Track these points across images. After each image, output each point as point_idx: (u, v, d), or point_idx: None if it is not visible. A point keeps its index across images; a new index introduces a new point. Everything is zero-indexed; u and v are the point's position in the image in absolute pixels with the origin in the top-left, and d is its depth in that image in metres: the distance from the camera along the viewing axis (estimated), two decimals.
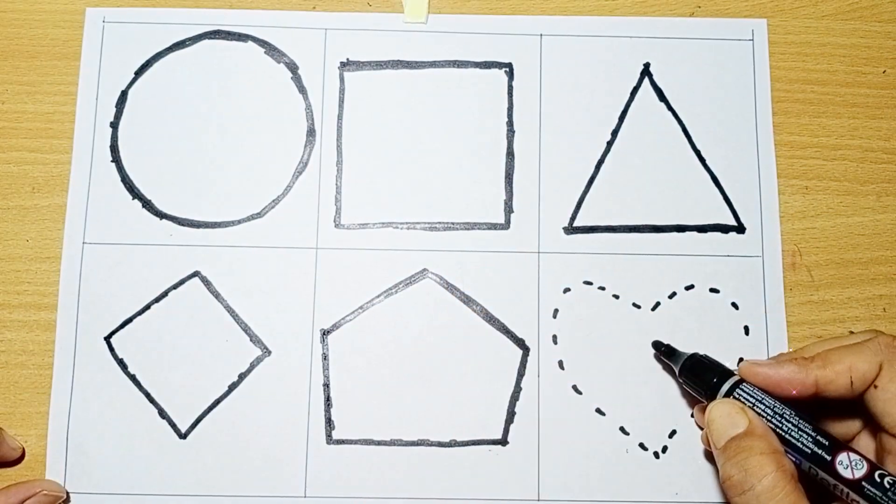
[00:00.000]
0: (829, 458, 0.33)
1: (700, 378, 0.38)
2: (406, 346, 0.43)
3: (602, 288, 0.44)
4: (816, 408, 0.37)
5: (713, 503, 0.42)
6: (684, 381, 0.40)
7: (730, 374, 0.38)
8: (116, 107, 0.45)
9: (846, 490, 0.33)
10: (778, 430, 0.35)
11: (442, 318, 0.43)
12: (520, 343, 0.43)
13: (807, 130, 0.46)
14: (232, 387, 0.43)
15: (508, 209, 0.45)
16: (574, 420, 0.43)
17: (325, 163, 0.45)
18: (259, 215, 0.44)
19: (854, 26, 0.47)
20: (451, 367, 0.43)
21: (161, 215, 0.44)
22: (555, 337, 0.43)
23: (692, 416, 0.42)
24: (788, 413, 0.35)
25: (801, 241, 0.44)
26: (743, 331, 0.43)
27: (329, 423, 0.42)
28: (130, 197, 0.44)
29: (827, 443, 0.34)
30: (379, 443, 0.42)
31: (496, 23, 0.46)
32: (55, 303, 0.43)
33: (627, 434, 0.42)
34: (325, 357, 0.43)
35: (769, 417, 0.35)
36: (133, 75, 0.45)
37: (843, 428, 0.37)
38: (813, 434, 0.34)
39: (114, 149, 0.45)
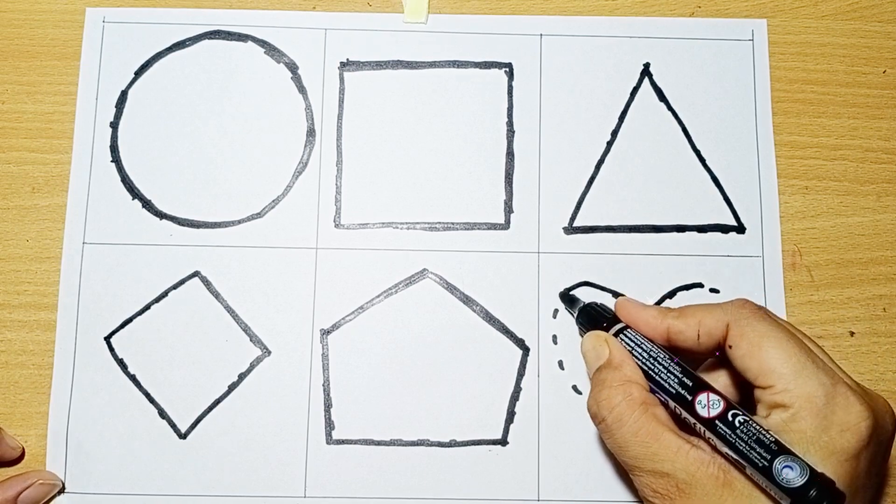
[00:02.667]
0: (690, 397, 0.35)
1: (593, 324, 0.40)
2: (406, 346, 0.43)
3: (602, 288, 0.44)
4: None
5: None
6: (580, 327, 0.42)
7: (617, 320, 0.39)
8: (116, 107, 0.45)
9: (703, 428, 0.34)
10: (650, 371, 0.37)
11: (442, 318, 0.43)
12: (520, 343, 0.43)
13: (807, 130, 0.46)
14: (232, 387, 0.43)
15: (508, 209, 0.45)
16: (574, 420, 0.42)
17: (325, 163, 0.45)
18: (259, 215, 0.44)
19: (854, 26, 0.47)
20: (451, 367, 0.43)
21: (161, 215, 0.44)
22: (555, 337, 0.43)
23: None
24: (662, 356, 0.37)
25: (801, 241, 0.44)
26: None
27: (329, 423, 0.42)
28: (130, 197, 0.44)
29: (691, 384, 0.35)
30: (379, 443, 0.42)
31: (496, 23, 0.46)
32: (55, 303, 0.43)
33: None
34: (325, 357, 0.43)
35: (644, 360, 0.37)
36: (133, 75, 0.45)
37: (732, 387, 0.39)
38: (680, 376, 0.36)
39: (114, 149, 0.45)
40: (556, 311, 0.43)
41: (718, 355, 0.37)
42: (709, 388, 0.35)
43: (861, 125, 0.46)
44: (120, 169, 0.45)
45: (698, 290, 0.44)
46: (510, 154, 0.45)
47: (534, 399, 0.43)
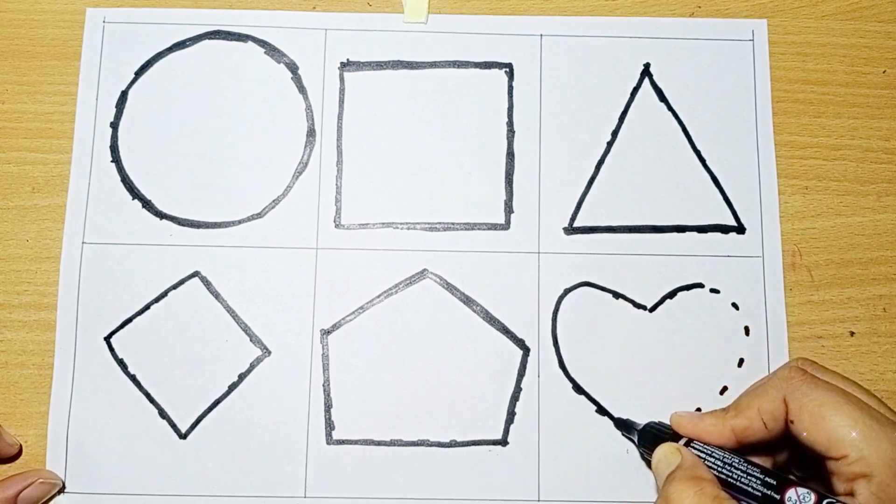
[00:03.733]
0: (777, 496, 0.34)
1: (655, 443, 0.39)
2: (406, 346, 0.43)
3: (602, 288, 0.44)
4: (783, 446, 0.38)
5: None
6: (644, 451, 0.41)
7: (679, 436, 0.39)
8: (116, 107, 0.45)
9: None
10: (729, 478, 0.35)
11: (442, 318, 0.43)
12: (520, 343, 0.43)
13: (807, 130, 0.46)
14: (232, 387, 0.43)
15: (508, 209, 0.45)
16: (574, 420, 0.42)
17: (325, 163, 0.45)
18: (259, 215, 0.44)
19: (854, 26, 0.47)
20: (451, 367, 0.43)
21: (161, 215, 0.44)
22: (555, 337, 0.43)
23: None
24: (737, 461, 0.36)
25: (801, 241, 0.44)
26: (743, 331, 0.43)
27: (329, 423, 0.42)
28: (130, 197, 0.44)
29: (775, 482, 0.34)
30: (379, 443, 0.42)
31: (496, 23, 0.46)
32: (55, 303, 0.43)
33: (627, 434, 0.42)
34: (325, 357, 0.43)
35: (719, 469, 0.36)
36: (133, 75, 0.45)
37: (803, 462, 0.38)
38: (761, 476, 0.35)
39: (114, 149, 0.45)
40: (556, 310, 0.43)
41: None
42: (794, 482, 0.34)
43: (861, 125, 0.46)
44: (120, 169, 0.45)
45: (698, 290, 0.44)
46: (510, 154, 0.45)
47: (534, 399, 0.43)
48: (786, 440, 0.37)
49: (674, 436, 0.39)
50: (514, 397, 0.43)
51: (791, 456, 0.38)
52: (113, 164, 0.45)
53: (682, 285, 0.44)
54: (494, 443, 0.42)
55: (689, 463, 0.36)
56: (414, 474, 0.42)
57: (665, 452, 0.38)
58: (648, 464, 0.41)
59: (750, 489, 0.35)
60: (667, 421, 0.41)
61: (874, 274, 0.44)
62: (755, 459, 0.37)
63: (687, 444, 0.38)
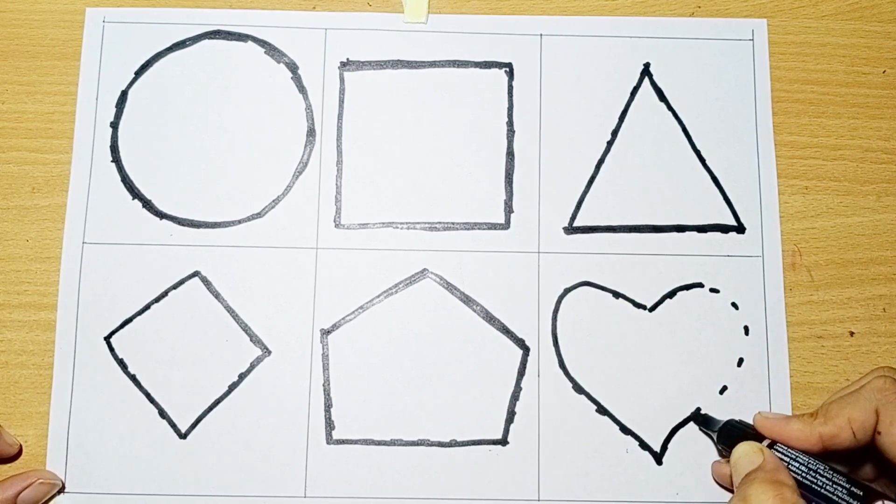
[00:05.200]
0: None
1: (734, 443, 0.39)
2: (406, 346, 0.43)
3: (602, 288, 0.44)
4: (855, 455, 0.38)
5: (713, 503, 0.42)
6: (723, 448, 0.41)
7: (762, 437, 0.39)
8: (116, 107, 0.45)
9: None
10: (813, 485, 0.35)
11: (442, 318, 0.43)
12: (520, 343, 0.43)
13: (807, 130, 0.46)
14: (232, 387, 0.43)
15: (508, 209, 0.45)
16: (574, 420, 0.43)
17: (325, 163, 0.45)
18: (259, 215, 0.44)
19: (854, 26, 0.47)
20: (451, 367, 0.43)
21: (161, 215, 0.44)
22: (555, 337, 0.43)
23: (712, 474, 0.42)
24: (823, 468, 0.35)
25: (801, 241, 0.44)
26: (743, 331, 0.43)
27: (329, 423, 0.42)
28: (130, 197, 0.44)
29: (862, 493, 0.34)
30: (379, 443, 0.42)
31: (496, 23, 0.46)
32: (55, 303, 0.43)
33: (627, 434, 0.42)
34: (325, 357, 0.43)
35: (803, 474, 0.36)
36: (133, 75, 0.45)
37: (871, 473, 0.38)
38: (847, 486, 0.34)
39: (114, 149, 0.45)
40: (556, 310, 0.43)
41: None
42: (882, 495, 0.33)
43: (861, 125, 0.46)
44: (120, 169, 0.45)
45: (698, 289, 0.44)
46: (510, 154, 0.45)
47: (534, 399, 0.43)
48: (865, 451, 0.37)
49: (755, 436, 0.39)
50: (514, 397, 0.43)
51: (868, 468, 0.38)
52: (113, 164, 0.45)
53: (682, 285, 0.44)
54: (494, 442, 0.42)
55: (771, 465, 0.36)
56: (414, 474, 0.42)
57: (746, 451, 0.37)
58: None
59: (835, 497, 0.34)
60: (749, 421, 0.40)
61: (874, 274, 0.44)
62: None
63: (770, 446, 0.37)
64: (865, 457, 0.38)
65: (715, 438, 0.41)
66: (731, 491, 0.40)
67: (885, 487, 0.37)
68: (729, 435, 0.40)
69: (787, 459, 0.36)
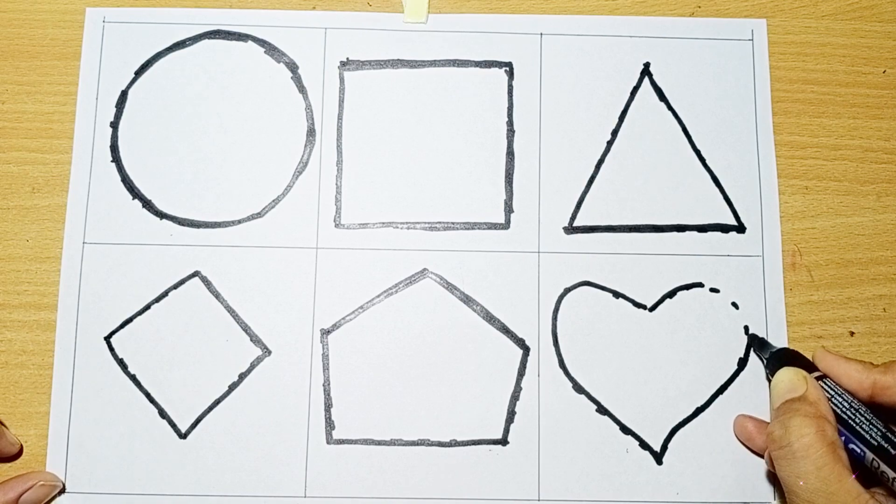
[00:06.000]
0: (894, 452, 0.35)
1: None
2: (406, 346, 0.43)
3: (602, 288, 0.44)
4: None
5: (713, 503, 0.42)
6: (770, 371, 0.41)
7: (815, 368, 0.39)
8: (116, 107, 0.45)
9: None
10: (850, 420, 0.36)
11: (442, 318, 0.43)
12: (520, 343, 0.43)
13: (807, 130, 0.46)
14: (232, 387, 0.43)
15: (508, 209, 0.45)
16: (574, 420, 0.43)
17: (325, 163, 0.45)
18: (259, 215, 0.44)
19: (854, 26, 0.47)
20: (451, 367, 0.43)
21: (161, 215, 0.44)
22: (555, 337, 0.43)
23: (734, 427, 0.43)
24: (864, 410, 0.37)
25: (801, 241, 0.44)
26: (743, 331, 0.43)
27: (329, 423, 0.42)
28: (130, 197, 0.44)
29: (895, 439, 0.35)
30: (379, 443, 0.42)
31: (496, 22, 0.46)
32: (55, 303, 0.43)
33: (627, 434, 0.43)
34: (325, 357, 0.43)
35: (844, 409, 0.37)
36: (133, 75, 0.45)
37: None
38: (883, 430, 0.36)
39: (114, 149, 0.45)
40: (556, 310, 0.43)
41: None
42: None
43: (861, 125, 0.46)
44: (120, 169, 0.45)
45: (698, 289, 0.44)
46: (510, 154, 0.45)
47: (534, 399, 0.43)
48: None
49: (809, 366, 0.39)
50: (514, 397, 0.43)
51: None
52: (113, 164, 0.45)
53: (682, 285, 0.44)
54: (494, 442, 0.42)
55: (814, 397, 0.37)
56: (414, 474, 0.42)
57: (791, 376, 0.38)
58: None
59: (868, 436, 0.36)
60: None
61: (874, 274, 0.44)
62: None
63: (818, 380, 0.38)
64: None
65: (765, 362, 0.42)
66: (754, 451, 0.42)
67: None
68: (780, 360, 0.40)
69: (831, 394, 0.37)
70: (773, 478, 0.42)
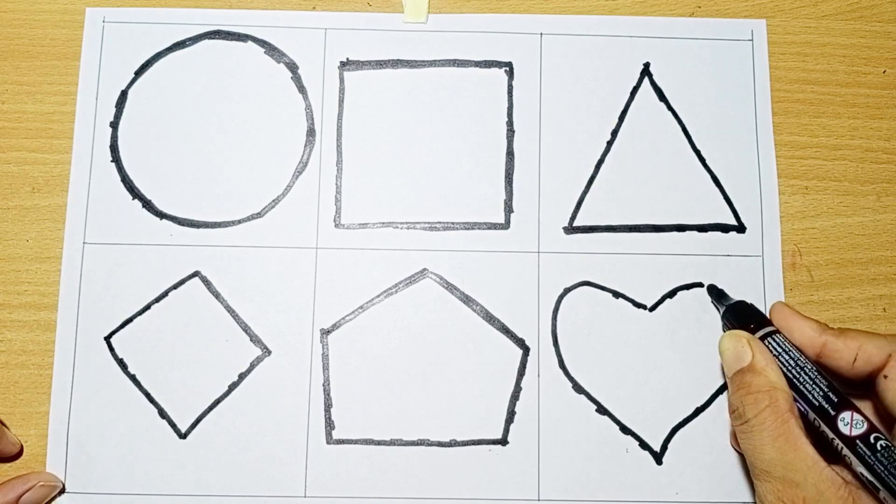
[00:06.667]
0: (833, 412, 0.35)
1: (740, 323, 0.40)
2: (406, 346, 0.43)
3: (602, 288, 0.44)
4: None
5: (714, 503, 0.42)
6: (726, 323, 0.41)
7: (768, 323, 0.39)
8: (116, 107, 0.45)
9: (841, 445, 0.34)
10: (794, 379, 0.36)
11: (442, 318, 0.43)
12: (520, 343, 0.43)
13: (807, 130, 0.46)
14: (232, 387, 0.43)
15: (508, 209, 0.45)
16: (574, 420, 0.43)
17: (325, 163, 0.45)
18: (259, 215, 0.44)
19: (854, 26, 0.47)
20: (451, 367, 0.43)
21: (161, 215, 0.44)
22: (555, 337, 0.43)
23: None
24: (809, 367, 0.36)
25: (801, 241, 0.44)
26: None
27: (329, 423, 0.42)
28: (130, 197, 0.44)
29: (836, 400, 0.35)
30: (379, 443, 0.42)
31: (496, 22, 0.46)
32: (55, 303, 0.43)
33: (627, 434, 0.43)
34: (325, 357, 0.43)
35: (790, 367, 0.37)
36: (133, 75, 0.45)
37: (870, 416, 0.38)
38: (825, 390, 0.36)
39: (114, 149, 0.45)
40: (556, 310, 0.43)
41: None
42: (854, 407, 0.35)
43: (861, 125, 0.46)
44: (120, 169, 0.45)
45: (698, 289, 0.44)
46: (510, 154, 0.45)
47: (534, 399, 0.43)
48: (856, 387, 0.38)
49: (762, 321, 0.39)
50: (514, 397, 0.43)
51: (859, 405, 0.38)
52: (113, 164, 0.45)
53: (682, 285, 0.44)
54: (494, 442, 0.42)
55: (761, 364, 0.37)
56: (414, 474, 0.42)
57: (733, 343, 0.38)
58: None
59: (810, 396, 0.36)
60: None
61: (874, 274, 0.44)
62: None
63: (767, 335, 0.38)
64: (867, 397, 0.39)
65: (721, 314, 0.42)
66: None
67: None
68: (735, 314, 0.40)
69: (780, 350, 0.37)
70: None
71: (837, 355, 0.37)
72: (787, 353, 0.37)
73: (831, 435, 0.35)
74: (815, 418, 0.36)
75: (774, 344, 0.38)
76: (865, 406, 0.38)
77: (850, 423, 0.34)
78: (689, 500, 0.42)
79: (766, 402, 0.35)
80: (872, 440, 0.33)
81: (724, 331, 0.42)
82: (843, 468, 0.35)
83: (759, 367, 0.37)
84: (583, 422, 0.42)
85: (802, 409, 0.36)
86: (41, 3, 0.46)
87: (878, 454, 0.33)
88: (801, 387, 0.36)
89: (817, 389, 0.36)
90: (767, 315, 0.40)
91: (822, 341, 0.37)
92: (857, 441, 0.34)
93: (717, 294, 0.43)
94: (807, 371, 0.36)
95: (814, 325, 0.38)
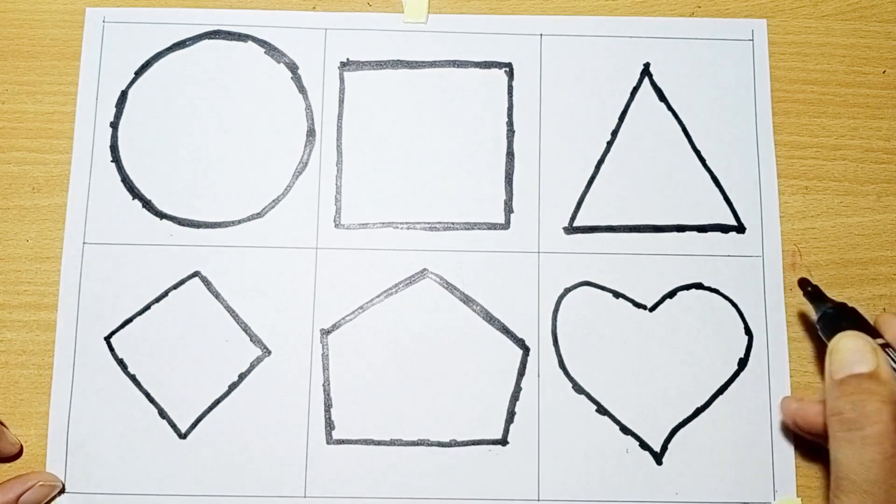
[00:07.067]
0: None
1: (841, 329, 0.37)
2: (406, 346, 0.43)
3: (602, 288, 0.44)
4: None
5: (713, 503, 0.42)
6: (822, 329, 0.39)
7: (879, 335, 0.37)
8: (116, 107, 0.45)
9: None
10: None
11: (442, 318, 0.43)
12: (520, 343, 0.43)
13: (807, 130, 0.46)
14: (232, 387, 0.43)
15: (508, 209, 0.45)
16: (574, 420, 0.43)
17: (325, 163, 0.45)
18: (259, 215, 0.44)
19: (854, 26, 0.47)
20: (451, 367, 0.43)
21: (161, 215, 0.44)
22: (555, 337, 0.43)
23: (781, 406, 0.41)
24: None
25: (801, 241, 0.44)
26: (743, 331, 0.43)
27: (329, 423, 0.42)
28: (130, 197, 0.44)
29: None
30: (379, 443, 0.42)
31: (496, 22, 0.46)
32: (55, 303, 0.43)
33: (627, 434, 0.43)
34: (325, 357, 0.43)
35: None
36: (133, 75, 0.45)
37: None
38: None
39: (114, 149, 0.45)
40: (556, 310, 0.43)
41: None
42: None
43: (861, 125, 0.46)
44: (120, 169, 0.45)
45: (698, 290, 0.44)
46: (510, 154, 0.45)
47: (534, 399, 0.43)
48: None
49: (872, 332, 0.37)
50: (514, 397, 0.43)
51: None
52: (113, 164, 0.45)
53: (682, 285, 0.44)
54: (494, 442, 0.42)
55: (887, 375, 0.34)
56: (414, 474, 0.42)
57: (859, 345, 0.35)
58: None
59: None
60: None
61: (874, 274, 0.44)
62: None
63: (882, 347, 0.35)
64: None
65: (816, 320, 0.39)
66: (808, 436, 0.39)
67: None
68: (838, 320, 0.37)
69: (894, 366, 0.35)
70: (773, 477, 0.42)
71: None
72: None
73: None
74: None
75: (891, 357, 0.35)
76: None
77: None
78: (689, 500, 0.42)
79: (887, 416, 0.33)
80: None
81: (823, 334, 0.39)
82: None
83: (885, 377, 0.34)
84: (583, 422, 0.42)
85: None
86: (41, 3, 0.46)
87: None
88: None
89: None
90: (873, 324, 0.38)
91: None
92: None
93: (812, 294, 0.40)
94: None
95: None
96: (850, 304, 0.39)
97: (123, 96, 0.45)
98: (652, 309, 0.44)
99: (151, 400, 0.43)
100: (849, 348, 0.35)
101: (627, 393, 0.43)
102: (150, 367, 0.43)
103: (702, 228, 0.44)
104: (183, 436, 0.42)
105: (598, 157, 0.45)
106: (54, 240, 0.44)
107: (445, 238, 0.44)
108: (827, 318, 0.38)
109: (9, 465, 0.42)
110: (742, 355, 0.43)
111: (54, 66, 0.46)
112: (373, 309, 0.44)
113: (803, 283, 0.41)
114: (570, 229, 0.44)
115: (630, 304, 0.44)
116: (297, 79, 0.46)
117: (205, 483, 0.42)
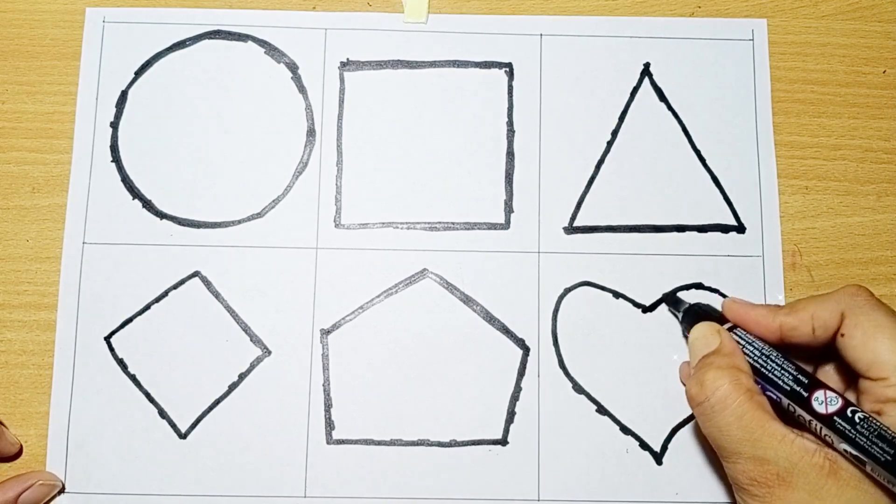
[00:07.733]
0: (806, 394, 0.35)
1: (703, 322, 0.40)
2: (406, 346, 0.43)
3: (602, 288, 0.44)
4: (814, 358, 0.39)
5: (713, 503, 0.42)
6: (685, 328, 0.41)
7: (725, 321, 0.40)
8: (116, 107, 0.45)
9: (819, 425, 0.34)
10: (763, 368, 0.37)
11: (442, 318, 0.43)
12: (520, 343, 0.43)
13: (807, 130, 0.46)
14: (232, 387, 0.43)
15: (508, 209, 0.45)
16: (574, 420, 0.43)
17: (325, 163, 0.45)
18: (259, 215, 0.44)
19: (854, 26, 0.47)
20: (451, 367, 0.43)
21: (161, 215, 0.44)
22: (555, 337, 0.43)
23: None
24: (775, 355, 0.37)
25: (801, 241, 0.44)
26: None
27: (329, 423, 0.42)
28: (130, 197, 0.44)
29: (806, 381, 0.35)
30: (379, 443, 0.42)
31: (496, 23, 0.46)
32: (55, 303, 0.43)
33: (627, 434, 0.42)
34: (325, 357, 0.43)
35: (755, 357, 0.37)
36: (133, 75, 0.45)
37: (834, 377, 0.39)
38: (794, 374, 0.36)
39: (114, 149, 0.45)
40: (556, 310, 0.43)
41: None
42: (825, 385, 0.35)
43: (861, 125, 0.46)
44: (120, 169, 0.45)
45: (698, 290, 0.44)
46: (510, 154, 0.45)
47: (534, 399, 0.43)
48: (822, 354, 0.38)
49: (720, 319, 0.40)
50: (514, 397, 0.43)
51: (821, 370, 0.39)
52: (113, 164, 0.45)
53: (682, 285, 0.44)
54: (494, 442, 0.42)
55: (727, 349, 0.37)
56: (414, 474, 0.42)
57: (704, 332, 0.38)
58: (684, 334, 0.42)
59: (781, 382, 0.36)
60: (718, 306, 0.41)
61: (874, 274, 0.44)
62: None
63: (730, 331, 0.38)
64: (827, 359, 0.39)
65: (680, 319, 0.42)
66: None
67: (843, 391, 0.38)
68: (693, 315, 0.41)
69: (744, 343, 0.38)
70: None
71: (796, 332, 0.37)
72: (751, 343, 0.38)
73: (808, 417, 0.35)
74: (789, 404, 0.36)
75: (738, 337, 0.38)
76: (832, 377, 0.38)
77: (825, 402, 0.34)
78: (689, 500, 0.42)
79: (727, 380, 0.35)
80: (850, 414, 0.33)
81: (685, 336, 0.41)
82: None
83: (726, 350, 0.37)
84: (583, 422, 0.42)
85: (776, 398, 0.36)
86: (41, 3, 0.46)
87: (858, 426, 0.33)
88: (770, 375, 0.36)
89: (786, 374, 0.36)
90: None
91: (777, 324, 0.37)
92: (835, 417, 0.34)
93: (673, 301, 0.43)
94: (773, 358, 0.37)
95: (766, 311, 0.38)
96: (704, 304, 0.42)
97: (123, 96, 0.45)
98: (652, 309, 0.44)
99: (151, 400, 0.43)
100: (697, 336, 0.39)
101: (627, 393, 0.43)
102: (150, 367, 0.43)
103: (702, 228, 0.44)
104: (183, 436, 0.42)
105: (598, 157, 0.45)
106: (54, 240, 0.44)
107: (445, 238, 0.44)
108: (686, 318, 0.41)
109: (9, 464, 0.42)
110: None
111: (54, 66, 0.46)
112: (373, 309, 0.44)
113: (666, 296, 0.43)
114: (570, 229, 0.44)
115: (630, 305, 0.44)
116: (297, 79, 0.46)
117: (205, 483, 0.42)
